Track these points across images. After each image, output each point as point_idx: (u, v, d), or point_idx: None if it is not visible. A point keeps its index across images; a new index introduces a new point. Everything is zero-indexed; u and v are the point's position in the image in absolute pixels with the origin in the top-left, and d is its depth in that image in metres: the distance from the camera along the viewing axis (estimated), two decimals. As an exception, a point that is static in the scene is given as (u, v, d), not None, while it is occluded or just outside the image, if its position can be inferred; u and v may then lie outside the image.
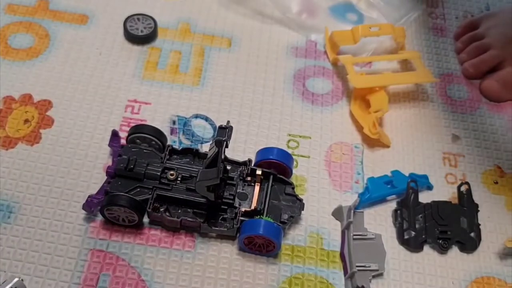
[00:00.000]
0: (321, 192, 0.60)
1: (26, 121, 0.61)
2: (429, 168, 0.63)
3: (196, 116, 0.64)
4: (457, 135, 0.66)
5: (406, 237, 0.57)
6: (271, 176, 0.57)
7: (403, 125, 0.66)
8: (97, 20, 0.71)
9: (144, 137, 0.58)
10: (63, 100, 0.63)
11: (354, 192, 0.60)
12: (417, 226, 0.57)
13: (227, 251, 0.55)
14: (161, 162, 0.56)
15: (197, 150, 0.58)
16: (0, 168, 0.57)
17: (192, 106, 0.65)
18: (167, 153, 0.57)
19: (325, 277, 0.54)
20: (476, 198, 0.60)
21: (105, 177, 0.56)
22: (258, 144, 0.62)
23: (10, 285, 0.49)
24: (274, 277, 0.54)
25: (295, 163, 0.61)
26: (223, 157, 0.52)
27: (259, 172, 0.57)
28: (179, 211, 0.55)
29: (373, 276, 0.54)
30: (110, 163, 0.58)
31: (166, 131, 0.60)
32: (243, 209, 0.55)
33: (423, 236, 0.57)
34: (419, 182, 0.60)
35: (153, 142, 0.58)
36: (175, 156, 0.58)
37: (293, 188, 0.57)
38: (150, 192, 0.54)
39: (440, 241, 0.57)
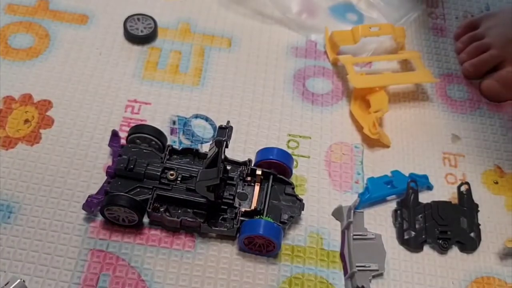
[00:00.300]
0: (321, 192, 0.60)
1: (26, 121, 0.61)
2: (429, 168, 0.63)
3: (196, 116, 0.64)
4: (457, 135, 0.66)
5: (406, 237, 0.57)
6: (271, 176, 0.57)
7: (403, 125, 0.66)
8: (97, 20, 0.71)
9: (144, 137, 0.58)
10: (63, 100, 0.63)
11: (354, 192, 0.60)
12: (417, 226, 0.57)
13: (227, 251, 0.55)
14: (161, 162, 0.56)
15: (197, 150, 0.58)
16: (0, 168, 0.57)
17: (192, 106, 0.65)
18: (167, 153, 0.57)
19: (325, 277, 0.54)
20: (476, 198, 0.60)
21: (105, 177, 0.56)
22: (258, 144, 0.62)
23: (12, 287, 0.49)
24: (274, 277, 0.54)
25: (295, 163, 0.61)
26: (223, 157, 0.52)
27: (259, 172, 0.57)
28: (179, 211, 0.55)
29: (373, 276, 0.54)
30: (110, 163, 0.58)
31: (166, 131, 0.60)
32: (243, 209, 0.55)
33: (423, 236, 0.57)
34: (419, 182, 0.60)
35: (153, 142, 0.58)
36: (175, 156, 0.58)
37: (293, 188, 0.57)
38: (150, 192, 0.54)
39: (440, 241, 0.57)
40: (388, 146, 0.64)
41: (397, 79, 0.69)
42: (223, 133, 0.50)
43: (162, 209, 0.54)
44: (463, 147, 0.65)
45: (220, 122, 0.63)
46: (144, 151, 0.57)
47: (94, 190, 0.56)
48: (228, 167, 0.57)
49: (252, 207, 0.55)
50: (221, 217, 0.55)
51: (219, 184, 0.53)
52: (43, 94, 0.64)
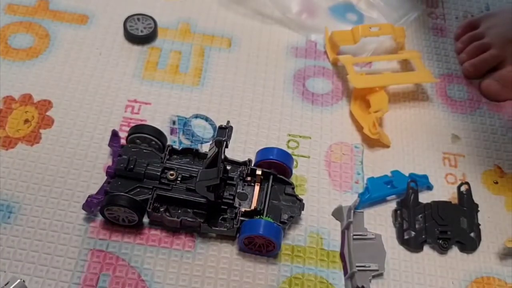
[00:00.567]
0: (321, 192, 0.60)
1: (26, 121, 0.61)
2: (429, 168, 0.63)
3: (196, 116, 0.64)
4: (457, 135, 0.66)
5: (406, 237, 0.57)
6: (271, 176, 0.57)
7: (403, 125, 0.66)
8: (97, 20, 0.71)
9: (144, 137, 0.58)
10: (63, 100, 0.63)
11: (354, 192, 0.60)
12: (417, 226, 0.57)
13: (227, 251, 0.55)
14: (161, 162, 0.56)
15: (197, 150, 0.58)
16: (0, 168, 0.57)
17: (192, 106, 0.65)
18: (167, 153, 0.57)
19: (325, 277, 0.54)
20: (476, 198, 0.60)
21: (105, 177, 0.56)
22: (258, 144, 0.62)
23: (12, 287, 0.49)
24: (274, 277, 0.54)
25: (295, 163, 0.61)
26: (223, 157, 0.52)
27: (259, 172, 0.57)
28: (179, 211, 0.55)
29: (373, 276, 0.54)
30: (110, 163, 0.58)
31: (166, 131, 0.60)
32: (243, 209, 0.55)
33: (423, 236, 0.57)
34: (419, 182, 0.60)
35: (153, 142, 0.58)
36: (175, 156, 0.58)
37: (293, 188, 0.57)
38: (150, 192, 0.54)
39: (440, 241, 0.57)
40: (388, 146, 0.64)
41: (397, 79, 0.69)
42: (223, 133, 0.50)
43: (162, 209, 0.54)
44: (463, 147, 0.65)
45: (220, 122, 0.63)
46: (144, 151, 0.57)
47: (94, 190, 0.56)
48: (228, 167, 0.57)
49: (252, 207, 0.55)
50: (221, 217, 0.55)
51: (219, 184, 0.53)
52: (43, 94, 0.64)
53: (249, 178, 0.57)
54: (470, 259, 0.57)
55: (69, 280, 0.52)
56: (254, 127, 0.64)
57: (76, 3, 0.72)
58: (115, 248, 0.54)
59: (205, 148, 0.61)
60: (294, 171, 0.60)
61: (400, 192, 0.59)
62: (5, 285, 0.49)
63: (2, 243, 0.53)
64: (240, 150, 0.62)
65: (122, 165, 0.55)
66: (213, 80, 0.67)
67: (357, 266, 0.53)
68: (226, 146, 0.51)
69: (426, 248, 0.57)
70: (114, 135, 0.59)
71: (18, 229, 0.54)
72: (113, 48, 0.69)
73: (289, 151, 0.61)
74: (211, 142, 0.56)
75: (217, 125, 0.63)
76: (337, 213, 0.58)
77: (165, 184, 0.55)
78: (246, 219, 0.54)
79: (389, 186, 0.60)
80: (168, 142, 0.59)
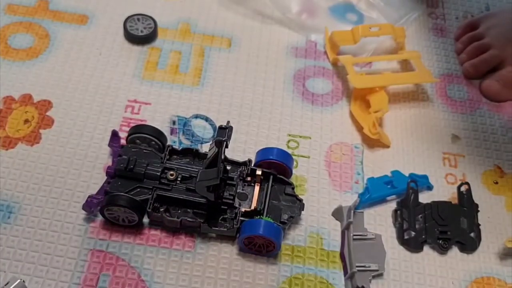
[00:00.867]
0: (321, 192, 0.60)
1: (26, 121, 0.61)
2: (429, 168, 0.63)
3: (196, 116, 0.64)
4: (457, 135, 0.66)
5: (406, 237, 0.57)
6: (271, 176, 0.57)
7: (403, 125, 0.66)
8: (97, 20, 0.71)
9: (144, 137, 0.58)
10: (63, 100, 0.63)
11: (354, 192, 0.60)
12: (417, 226, 0.57)
13: (227, 251, 0.55)
14: (161, 162, 0.56)
15: (197, 151, 0.58)
16: (0, 168, 0.57)
17: (192, 106, 0.65)
18: (167, 153, 0.57)
19: (325, 277, 0.54)
20: (476, 198, 0.60)
21: (105, 177, 0.56)
22: (258, 144, 0.62)
23: (12, 287, 0.49)
24: (274, 277, 0.54)
25: (295, 163, 0.61)
26: (223, 157, 0.52)
27: (259, 172, 0.57)
28: (179, 211, 0.55)
29: (373, 276, 0.54)
30: (110, 163, 0.58)
31: (166, 131, 0.60)
32: (243, 209, 0.55)
33: (423, 236, 0.57)
34: (419, 182, 0.60)
35: (153, 142, 0.58)
36: (175, 157, 0.58)
37: (293, 188, 0.57)
38: (150, 192, 0.54)
39: (440, 241, 0.57)
40: (388, 146, 0.64)
41: (397, 79, 0.69)
42: (223, 133, 0.50)
43: (162, 209, 0.54)
44: (463, 147, 0.65)
45: (220, 122, 0.63)
46: (144, 151, 0.57)
47: (94, 190, 0.56)
48: (228, 167, 0.57)
49: (252, 207, 0.55)
50: (221, 217, 0.55)
51: (219, 184, 0.53)
52: (43, 94, 0.64)
53: (249, 178, 0.57)
54: (470, 259, 0.57)
55: (69, 280, 0.52)
56: (254, 127, 0.64)
57: (76, 3, 0.72)
58: (115, 248, 0.54)
59: (205, 148, 0.61)
60: (294, 171, 0.60)
61: (400, 192, 0.59)
62: (5, 285, 0.49)
63: (2, 243, 0.53)
64: (240, 150, 0.62)
65: (122, 165, 0.55)
66: (213, 80, 0.67)
67: (357, 266, 0.53)
68: (226, 146, 0.51)
69: (426, 248, 0.57)
70: (114, 135, 0.59)
71: (18, 229, 0.54)
72: (113, 48, 0.69)
73: (289, 151, 0.61)
74: (211, 142, 0.56)
75: (217, 125, 0.63)
76: (337, 213, 0.58)
77: (165, 184, 0.55)
78: (246, 219, 0.54)
79: (389, 186, 0.60)
80: (168, 142, 0.59)
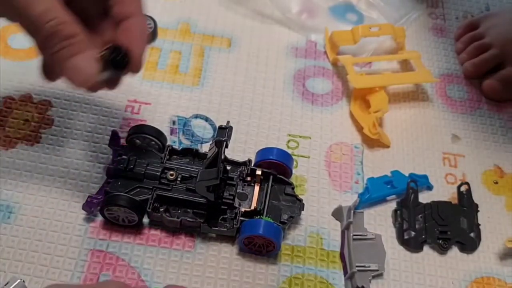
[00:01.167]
0: (321, 192, 0.60)
1: (26, 121, 0.61)
2: (429, 168, 0.63)
3: (196, 116, 0.64)
4: (457, 135, 0.66)
5: (406, 237, 0.57)
6: (271, 177, 0.57)
7: (403, 125, 0.66)
8: (97, 20, 0.71)
9: (144, 137, 0.58)
10: (62, 100, 0.63)
11: (354, 192, 0.60)
12: (417, 226, 0.57)
13: (227, 251, 0.55)
14: (161, 162, 0.56)
15: (197, 151, 0.58)
16: (0, 168, 0.57)
17: (192, 106, 0.65)
18: (167, 153, 0.57)
19: (325, 277, 0.54)
20: (476, 198, 0.60)
21: (105, 177, 0.56)
22: (258, 144, 0.62)
23: (12, 287, 0.48)
24: (274, 277, 0.54)
25: (295, 163, 0.61)
26: (223, 157, 0.52)
27: (259, 172, 0.57)
28: (179, 211, 0.55)
29: (373, 276, 0.54)
30: (110, 163, 0.58)
31: (166, 131, 0.60)
32: (243, 209, 0.55)
33: (423, 236, 0.57)
34: (419, 182, 0.60)
35: (153, 143, 0.58)
36: (175, 157, 0.58)
37: (293, 189, 0.57)
38: (150, 192, 0.54)
39: (440, 241, 0.57)
40: (388, 146, 0.64)
41: (397, 79, 0.69)
42: (223, 133, 0.50)
43: (162, 209, 0.54)
44: (463, 147, 0.65)
45: (220, 122, 0.63)
46: (144, 151, 0.57)
47: (94, 190, 0.56)
48: (228, 167, 0.57)
49: (252, 207, 0.55)
50: (221, 217, 0.55)
51: (219, 184, 0.53)
52: (42, 94, 0.64)
53: (249, 178, 0.57)
54: (470, 259, 0.57)
55: (69, 280, 0.52)
56: (254, 127, 0.64)
57: (76, 3, 0.72)
58: (115, 248, 0.54)
59: (205, 148, 0.61)
60: (294, 171, 0.60)
61: (400, 192, 0.59)
62: (5, 285, 0.49)
63: (2, 243, 0.53)
64: (240, 150, 0.62)
65: (122, 165, 0.55)
66: (213, 80, 0.67)
67: (357, 266, 0.53)
68: (226, 146, 0.51)
69: (426, 248, 0.57)
70: (114, 135, 0.59)
71: (18, 229, 0.54)
72: (113, 48, 0.69)
73: (289, 151, 0.61)
74: (211, 142, 0.56)
75: (217, 125, 0.63)
76: (337, 213, 0.58)
77: (165, 184, 0.55)
78: (246, 219, 0.54)
79: (389, 186, 0.60)
80: (168, 142, 0.59)
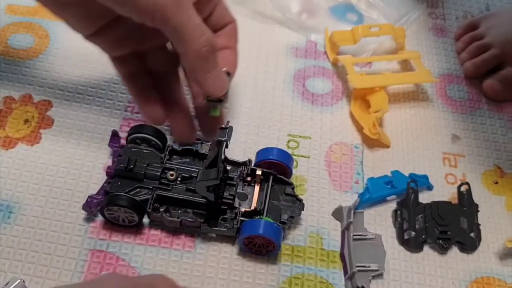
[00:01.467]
0: (321, 192, 0.60)
1: (26, 121, 0.61)
2: (429, 168, 0.63)
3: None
4: (457, 135, 0.66)
5: (406, 237, 0.57)
6: (271, 177, 0.57)
7: (403, 125, 0.66)
8: (97, 20, 0.71)
9: (143, 138, 0.58)
10: (63, 100, 0.63)
11: (354, 192, 0.60)
12: (417, 226, 0.57)
13: (227, 251, 0.55)
14: (161, 162, 0.56)
15: (197, 151, 0.58)
16: (0, 168, 0.57)
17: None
18: (167, 153, 0.57)
19: (325, 277, 0.54)
20: (476, 198, 0.60)
21: (105, 177, 0.56)
22: (258, 144, 0.62)
23: (12, 287, 0.49)
24: (274, 277, 0.54)
25: (295, 163, 0.61)
26: (223, 157, 0.52)
27: (259, 172, 0.57)
28: (179, 211, 0.55)
29: (373, 276, 0.54)
30: (110, 163, 0.58)
31: (166, 131, 0.60)
32: (243, 209, 0.55)
33: (423, 236, 0.57)
34: (419, 182, 0.60)
35: (153, 143, 0.58)
36: (175, 157, 0.58)
37: (293, 189, 0.57)
38: (150, 192, 0.54)
39: (440, 241, 0.57)
40: (388, 146, 0.64)
41: (397, 79, 0.69)
42: (223, 133, 0.50)
43: (162, 209, 0.54)
44: (463, 147, 0.65)
45: (220, 122, 0.63)
46: (144, 151, 0.57)
47: (94, 190, 0.56)
48: (228, 167, 0.57)
49: (252, 207, 0.55)
50: (221, 217, 0.55)
51: (219, 184, 0.52)
52: (43, 94, 0.64)
53: (249, 178, 0.57)
54: (470, 259, 0.57)
55: (69, 280, 0.52)
56: (254, 127, 0.64)
57: (76, 3, 0.72)
58: (115, 248, 0.54)
59: (205, 148, 0.61)
60: (294, 171, 0.60)
61: (400, 192, 0.59)
62: (5, 285, 0.49)
63: (2, 243, 0.53)
64: (240, 150, 0.62)
65: (122, 165, 0.55)
66: (213, 80, 0.67)
67: (357, 266, 0.53)
68: (226, 146, 0.51)
69: (426, 248, 0.57)
70: (114, 135, 0.59)
71: (18, 229, 0.54)
72: (113, 48, 0.69)
73: (289, 151, 0.61)
74: (211, 143, 0.56)
75: (217, 125, 0.63)
76: (337, 213, 0.58)
77: (165, 184, 0.55)
78: (246, 219, 0.54)
79: (389, 186, 0.60)
80: (168, 142, 0.59)
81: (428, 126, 0.67)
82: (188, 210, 0.55)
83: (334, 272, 0.55)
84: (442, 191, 0.61)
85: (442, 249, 0.57)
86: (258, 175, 0.57)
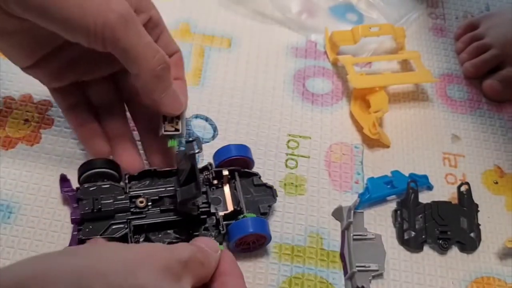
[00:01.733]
0: (321, 192, 0.60)
1: (26, 121, 0.61)
2: (429, 168, 0.63)
3: (196, 116, 0.64)
4: (457, 135, 0.66)
5: (406, 237, 0.57)
6: (236, 173, 0.56)
7: (403, 125, 0.66)
8: (97, 20, 0.71)
9: (97, 173, 0.53)
10: (63, 100, 0.63)
11: (354, 192, 0.60)
12: (417, 226, 0.57)
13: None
14: (124, 192, 0.52)
15: (155, 170, 0.55)
16: (0, 168, 0.57)
17: (192, 106, 0.65)
18: (126, 181, 0.54)
19: (325, 277, 0.54)
20: (476, 198, 0.60)
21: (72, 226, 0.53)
22: (258, 144, 0.62)
23: None
24: (274, 277, 0.54)
25: (294, 163, 0.61)
26: (188, 168, 0.51)
27: (225, 172, 0.55)
28: (159, 235, 0.52)
29: (373, 276, 0.54)
30: (72, 210, 0.55)
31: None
32: (222, 213, 0.53)
33: (423, 236, 0.57)
34: (419, 182, 0.60)
35: (108, 174, 0.54)
36: (134, 182, 0.55)
37: (259, 178, 0.56)
38: (125, 226, 0.51)
39: (440, 241, 0.57)
40: (388, 146, 0.64)
41: (397, 79, 0.69)
42: (191, 147, 0.50)
43: (142, 240, 0.52)
44: (463, 147, 0.65)
45: (220, 122, 0.63)
46: (103, 187, 0.52)
47: (94, 190, 0.56)
48: None
49: (230, 209, 0.54)
50: (203, 227, 0.53)
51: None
52: (43, 94, 0.63)
53: (215, 181, 0.56)
54: (470, 259, 0.57)
55: (69, 280, 0.51)
56: (254, 127, 0.64)
57: (76, 3, 0.72)
58: (115, 248, 0.54)
59: (205, 147, 0.61)
60: (294, 171, 0.60)
61: (400, 192, 0.59)
62: None
63: (2, 243, 0.53)
64: (240, 150, 0.62)
65: (87, 208, 0.51)
66: (213, 80, 0.67)
67: (357, 266, 0.54)
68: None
69: (426, 248, 0.57)
70: (63, 180, 0.55)
71: (18, 229, 0.54)
72: (113, 48, 0.69)
73: (289, 151, 0.61)
74: (177, 156, 0.54)
75: (217, 125, 0.63)
76: (337, 213, 0.58)
77: (138, 213, 0.52)
78: (229, 222, 0.53)
79: (389, 186, 0.60)
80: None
81: (428, 126, 0.67)
82: (168, 231, 0.52)
83: (334, 272, 0.55)
84: (442, 191, 0.61)
85: (442, 249, 0.57)
86: (226, 175, 0.55)
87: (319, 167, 0.62)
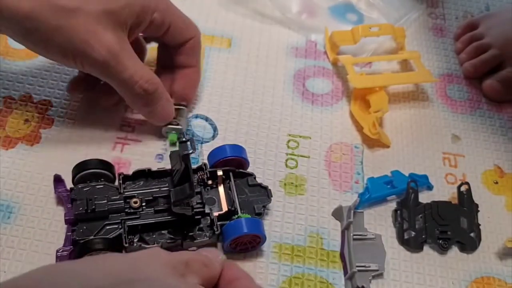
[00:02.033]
0: (321, 192, 0.60)
1: (26, 121, 0.61)
2: (429, 168, 0.63)
3: (196, 116, 0.64)
4: (457, 135, 0.66)
5: (406, 237, 0.57)
6: (231, 173, 0.56)
7: (403, 125, 0.66)
8: (97, 20, 0.71)
9: (91, 173, 0.53)
10: (62, 100, 0.63)
11: (354, 192, 0.60)
12: (417, 226, 0.57)
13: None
14: (118, 193, 0.53)
15: (149, 170, 0.55)
16: (0, 168, 0.57)
17: (192, 106, 0.65)
18: (121, 182, 0.54)
19: (325, 277, 0.54)
20: (476, 198, 0.60)
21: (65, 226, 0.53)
22: (258, 144, 0.62)
23: None
24: (274, 277, 0.54)
25: (294, 163, 0.61)
26: (182, 169, 0.51)
27: (220, 172, 0.55)
28: (154, 236, 0.52)
29: (373, 276, 0.54)
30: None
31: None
32: (216, 213, 0.53)
33: (423, 236, 0.57)
34: (419, 182, 0.60)
35: (102, 174, 0.54)
36: (128, 182, 0.55)
37: (254, 178, 0.56)
38: (120, 227, 0.51)
39: (440, 241, 0.57)
40: (388, 146, 0.64)
41: (397, 79, 0.69)
42: (186, 147, 0.50)
43: (136, 240, 0.52)
44: (463, 147, 0.65)
45: (220, 122, 0.63)
46: (97, 187, 0.53)
47: (94, 190, 0.56)
48: None
49: (225, 209, 0.54)
50: (197, 227, 0.53)
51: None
52: (42, 94, 0.64)
53: (210, 182, 0.55)
54: (470, 259, 0.57)
55: (69, 280, 0.51)
56: (254, 127, 0.64)
57: (76, 3, 0.72)
58: (115, 248, 0.54)
59: (205, 148, 0.61)
60: (294, 171, 0.60)
61: (400, 192, 0.59)
62: None
63: (2, 243, 0.53)
64: (240, 150, 0.62)
65: (81, 209, 0.51)
66: (213, 80, 0.67)
67: (357, 266, 0.53)
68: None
69: (426, 248, 0.57)
70: (57, 180, 0.54)
71: (18, 229, 0.54)
72: (113, 48, 0.69)
73: (289, 151, 0.61)
74: (170, 157, 0.55)
75: (217, 125, 0.63)
76: (337, 213, 0.58)
77: (132, 213, 0.52)
78: (224, 222, 0.53)
79: (389, 186, 0.60)
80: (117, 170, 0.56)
81: (428, 126, 0.67)
82: (163, 231, 0.52)
83: (334, 272, 0.55)
84: (442, 191, 0.61)
85: (442, 249, 0.57)
86: (220, 175, 0.55)
87: (319, 167, 0.62)
